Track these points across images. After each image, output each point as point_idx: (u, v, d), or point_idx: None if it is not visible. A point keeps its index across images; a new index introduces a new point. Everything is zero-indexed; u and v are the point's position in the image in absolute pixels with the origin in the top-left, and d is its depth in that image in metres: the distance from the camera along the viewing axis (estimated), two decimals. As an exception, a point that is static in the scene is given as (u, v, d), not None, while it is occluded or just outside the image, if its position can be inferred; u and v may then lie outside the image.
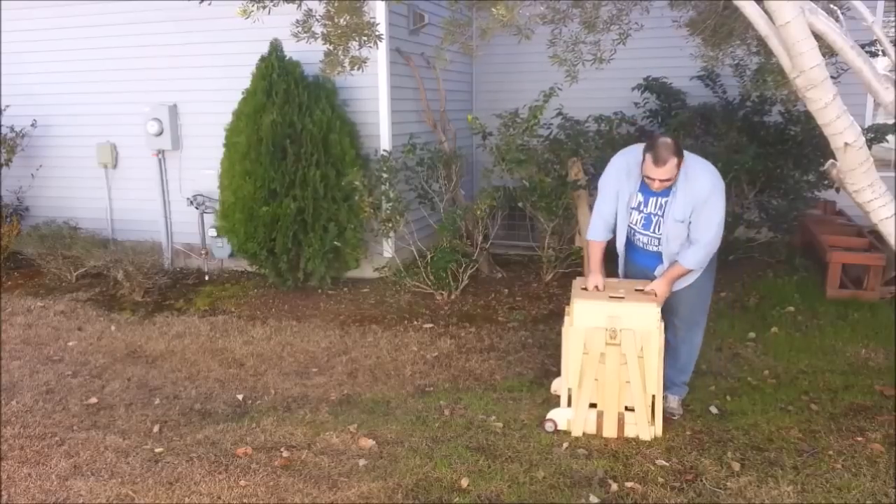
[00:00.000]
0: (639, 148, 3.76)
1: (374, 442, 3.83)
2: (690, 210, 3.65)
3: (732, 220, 6.36)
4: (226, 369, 4.93)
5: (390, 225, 6.16)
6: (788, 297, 5.95)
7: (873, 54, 5.70)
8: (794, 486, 3.34)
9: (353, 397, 4.45)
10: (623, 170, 3.84)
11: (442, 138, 7.08)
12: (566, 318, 3.86)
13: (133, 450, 3.82)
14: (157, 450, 3.81)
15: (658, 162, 3.53)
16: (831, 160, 3.28)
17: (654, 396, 3.77)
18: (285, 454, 3.73)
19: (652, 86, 7.51)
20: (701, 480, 3.40)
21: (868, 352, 4.92)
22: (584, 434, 3.83)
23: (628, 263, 4.08)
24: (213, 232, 6.93)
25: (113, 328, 5.77)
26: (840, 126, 3.04)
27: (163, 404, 4.40)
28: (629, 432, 3.79)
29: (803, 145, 6.58)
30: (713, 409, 4.12)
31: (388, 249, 6.60)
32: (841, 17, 3.44)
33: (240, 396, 4.49)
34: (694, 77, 7.36)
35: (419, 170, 6.49)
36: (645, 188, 3.76)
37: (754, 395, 4.31)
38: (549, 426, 3.88)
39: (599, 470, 3.50)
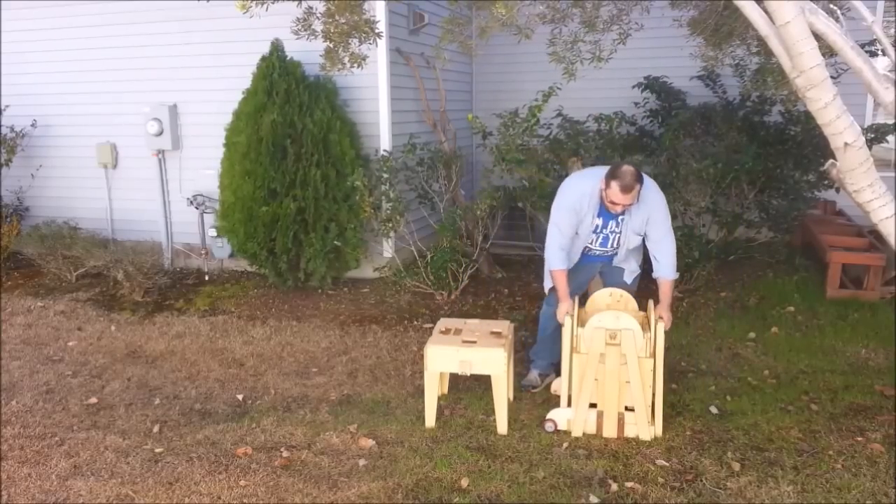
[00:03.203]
0: (591, 176, 4.10)
1: (374, 442, 3.83)
2: (646, 221, 4.06)
3: (732, 220, 6.36)
4: (226, 369, 4.93)
5: (390, 225, 6.16)
6: (788, 297, 5.95)
7: (873, 54, 5.70)
8: (794, 486, 3.34)
9: (353, 397, 4.45)
10: (583, 200, 4.05)
11: (442, 138, 7.08)
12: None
13: (133, 450, 3.82)
14: (157, 450, 3.81)
15: (625, 189, 3.83)
16: (831, 160, 3.28)
17: (654, 396, 3.78)
18: (285, 454, 3.73)
19: (652, 85, 7.51)
20: (701, 480, 3.40)
21: (868, 352, 4.92)
22: (584, 434, 3.83)
23: (578, 263, 4.31)
24: (213, 232, 6.93)
25: (113, 328, 5.77)
26: (840, 126, 3.04)
27: (163, 404, 4.40)
28: (629, 432, 3.79)
29: (803, 145, 6.57)
30: (713, 409, 4.12)
31: (388, 249, 6.60)
32: (841, 17, 3.44)
33: (240, 396, 4.49)
34: (694, 77, 7.36)
35: (419, 170, 6.49)
36: (604, 212, 4.04)
37: (754, 395, 4.31)
38: (549, 426, 3.89)
39: (599, 470, 3.50)
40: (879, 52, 5.45)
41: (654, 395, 3.78)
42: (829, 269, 5.98)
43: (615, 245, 4.19)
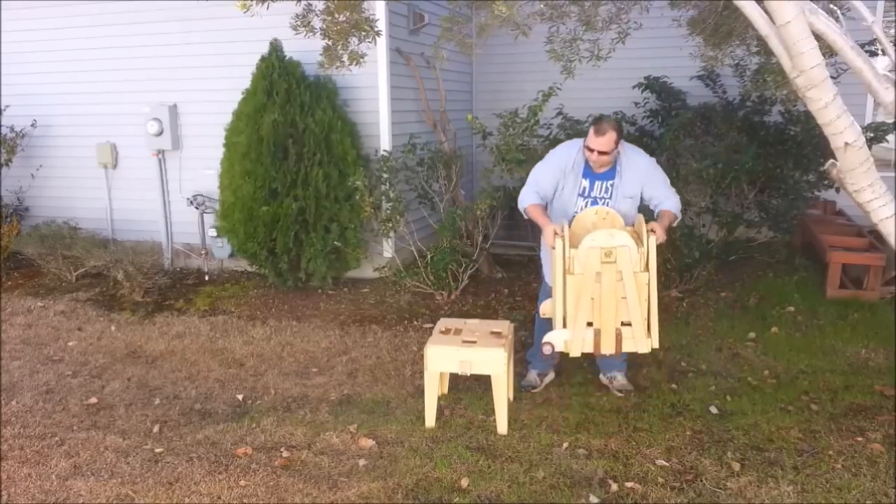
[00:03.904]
0: (578, 141, 4.14)
1: (374, 442, 3.83)
2: (639, 185, 4.06)
3: (732, 220, 6.36)
4: (226, 369, 4.93)
5: (390, 225, 6.16)
6: (788, 297, 5.95)
7: (873, 54, 5.70)
8: (794, 486, 3.34)
9: (353, 397, 4.45)
10: (567, 160, 4.08)
11: (442, 138, 7.08)
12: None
13: (133, 450, 3.82)
14: (157, 450, 3.81)
15: (598, 133, 3.88)
16: (831, 160, 3.28)
17: (650, 310, 3.73)
18: (285, 454, 3.73)
19: (652, 85, 7.50)
20: (701, 480, 3.40)
21: (868, 352, 4.92)
22: (582, 354, 3.79)
23: None
24: (213, 232, 6.93)
25: (113, 328, 5.77)
26: (840, 126, 3.04)
27: (163, 404, 4.40)
28: (627, 346, 3.74)
29: (803, 145, 6.57)
30: (713, 409, 4.12)
31: (388, 249, 6.60)
32: (841, 17, 3.44)
33: (240, 396, 4.49)
34: (694, 77, 7.35)
35: (419, 170, 6.49)
36: (589, 172, 4.06)
37: (754, 395, 4.31)
38: (546, 349, 3.81)
39: (599, 470, 3.50)
40: (879, 52, 5.44)
41: (649, 308, 3.73)
42: (829, 269, 5.98)
43: None
